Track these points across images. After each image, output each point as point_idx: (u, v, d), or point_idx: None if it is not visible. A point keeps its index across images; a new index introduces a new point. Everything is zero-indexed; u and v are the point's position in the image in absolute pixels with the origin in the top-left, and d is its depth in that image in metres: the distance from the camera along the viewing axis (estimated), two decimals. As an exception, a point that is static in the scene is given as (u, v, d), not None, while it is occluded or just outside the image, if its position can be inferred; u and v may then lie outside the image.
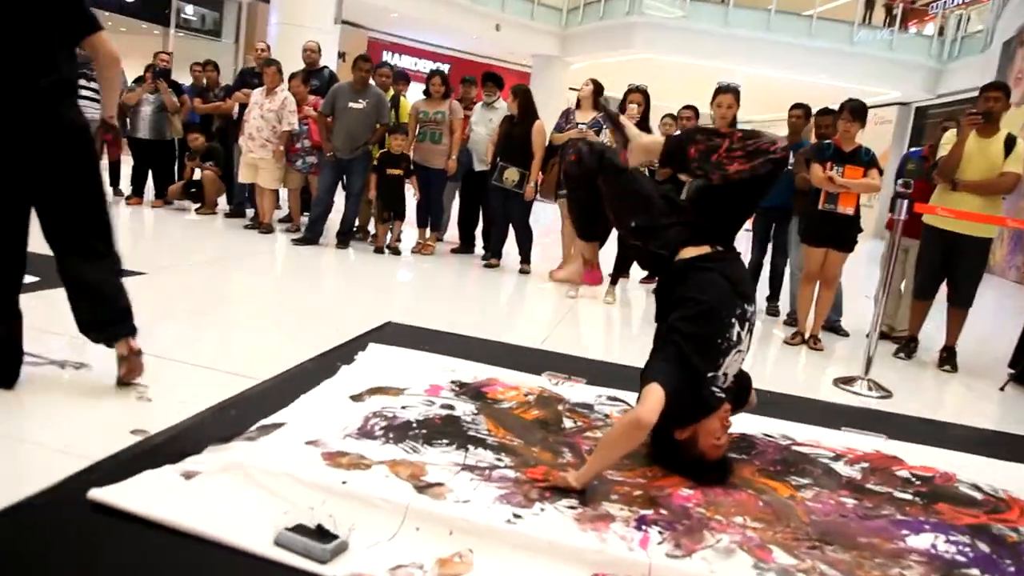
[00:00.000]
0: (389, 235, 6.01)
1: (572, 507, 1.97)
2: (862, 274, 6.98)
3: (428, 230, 6.38)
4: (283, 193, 6.75)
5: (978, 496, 2.40)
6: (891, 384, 3.84)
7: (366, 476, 2.01)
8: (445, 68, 7.14)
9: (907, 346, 4.63)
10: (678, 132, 4.74)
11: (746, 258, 5.63)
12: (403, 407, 2.55)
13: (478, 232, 6.61)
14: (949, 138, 4.39)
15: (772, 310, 5.49)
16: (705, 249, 2.29)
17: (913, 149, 5.33)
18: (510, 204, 5.76)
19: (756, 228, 5.50)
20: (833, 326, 4.97)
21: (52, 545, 1.64)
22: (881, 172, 4.41)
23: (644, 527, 1.91)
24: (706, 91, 5.15)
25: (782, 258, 5.36)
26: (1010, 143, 4.22)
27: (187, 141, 6.81)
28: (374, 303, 4.38)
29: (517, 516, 1.89)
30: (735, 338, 2.16)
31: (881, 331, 5.13)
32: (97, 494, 1.77)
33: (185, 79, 7.42)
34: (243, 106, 6.49)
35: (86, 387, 2.52)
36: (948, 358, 4.44)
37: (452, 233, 6.85)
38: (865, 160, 4.34)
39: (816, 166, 4.34)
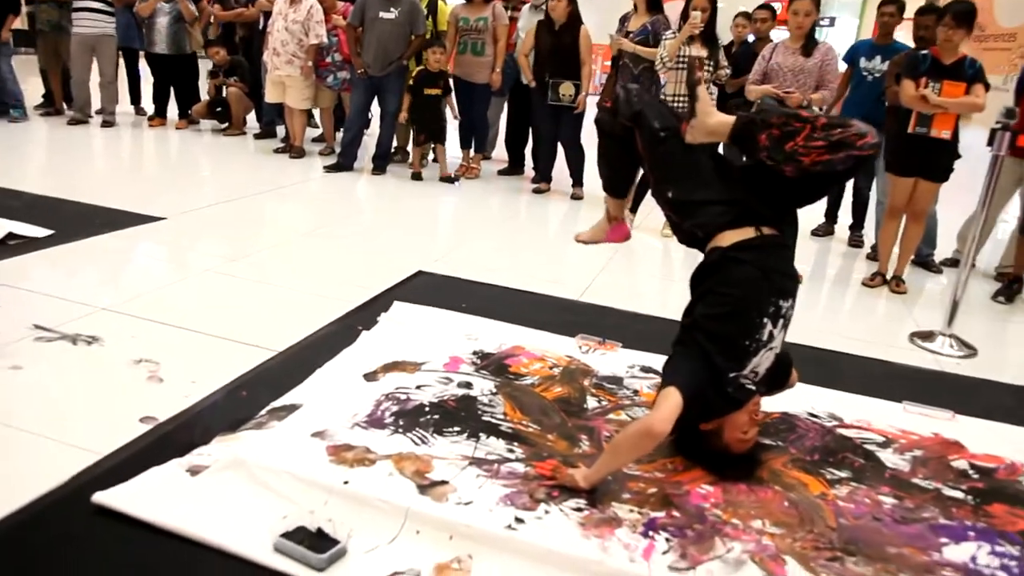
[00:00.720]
0: (430, 159, 6.10)
1: (579, 508, 2.10)
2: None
3: (472, 151, 6.42)
4: (315, 111, 6.87)
5: (1043, 494, 2.43)
6: (980, 338, 3.79)
7: (369, 474, 2.18)
8: None
9: (1009, 287, 4.52)
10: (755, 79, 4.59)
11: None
12: (418, 387, 2.71)
13: (528, 151, 6.62)
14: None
15: (855, 240, 5.41)
16: (749, 233, 2.23)
17: None
18: (560, 120, 5.74)
19: None
20: (924, 261, 4.86)
21: (56, 551, 1.88)
22: (988, 87, 4.19)
23: (652, 532, 2.03)
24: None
25: (866, 181, 5.23)
26: None
27: (208, 55, 6.94)
28: (407, 244, 4.52)
29: (519, 520, 2.03)
30: (766, 337, 2.19)
31: (954, 258, 5.06)
32: (102, 498, 1.99)
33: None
34: (267, 14, 6.55)
35: (97, 366, 2.75)
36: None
37: (501, 151, 6.88)
38: (969, 74, 4.12)
39: (908, 83, 4.16)
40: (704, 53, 4.75)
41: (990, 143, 3.52)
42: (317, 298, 3.53)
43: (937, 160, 4.22)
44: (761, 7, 5.51)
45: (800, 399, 2.79)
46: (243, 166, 6.22)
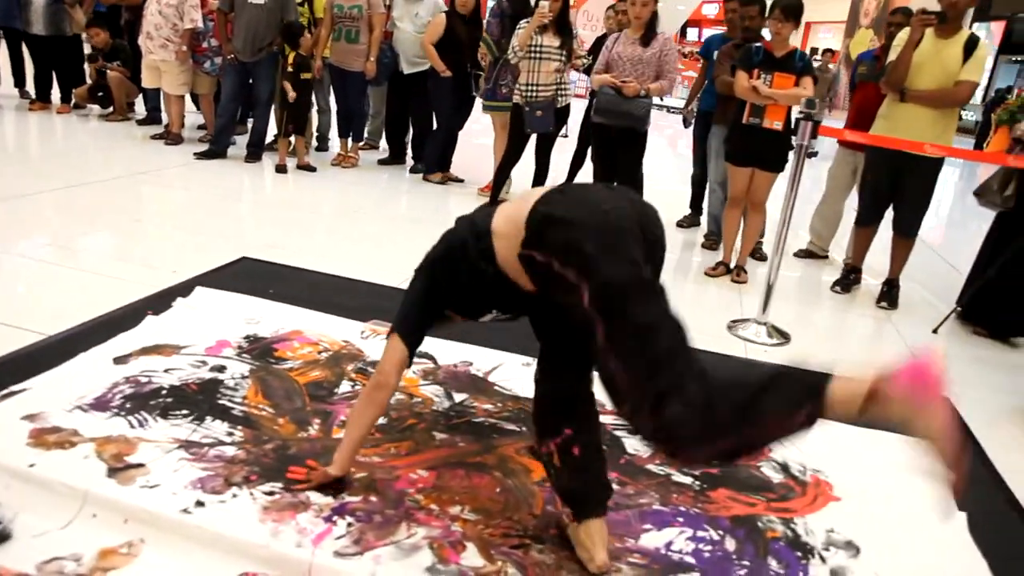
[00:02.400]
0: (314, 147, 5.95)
1: (270, 493, 1.99)
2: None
3: (350, 140, 6.27)
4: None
5: (777, 479, 2.36)
6: (805, 327, 3.75)
7: (61, 457, 2.04)
8: None
9: (846, 278, 4.50)
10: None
11: (689, 170, 5.57)
12: (166, 370, 2.57)
13: (409, 140, 6.51)
14: (902, 39, 4.09)
15: (691, 220, 5.59)
16: None
17: (865, 51, 5.01)
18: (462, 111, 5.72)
19: (695, 134, 5.32)
20: (756, 250, 4.85)
21: None
22: (816, 79, 4.16)
23: (336, 517, 1.92)
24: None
25: (702, 168, 5.27)
26: (970, 47, 3.92)
27: (88, 36, 6.71)
28: (248, 232, 4.37)
29: (200, 504, 1.92)
30: None
31: (808, 250, 5.10)
32: None
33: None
34: (149, -3, 6.33)
35: None
36: (887, 293, 4.31)
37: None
38: (799, 66, 4.09)
39: (741, 74, 4.11)
40: (556, 42, 4.66)
41: (794, 132, 3.48)
42: (124, 283, 3.35)
43: (771, 150, 4.17)
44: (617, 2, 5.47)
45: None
46: (113, 151, 5.98)
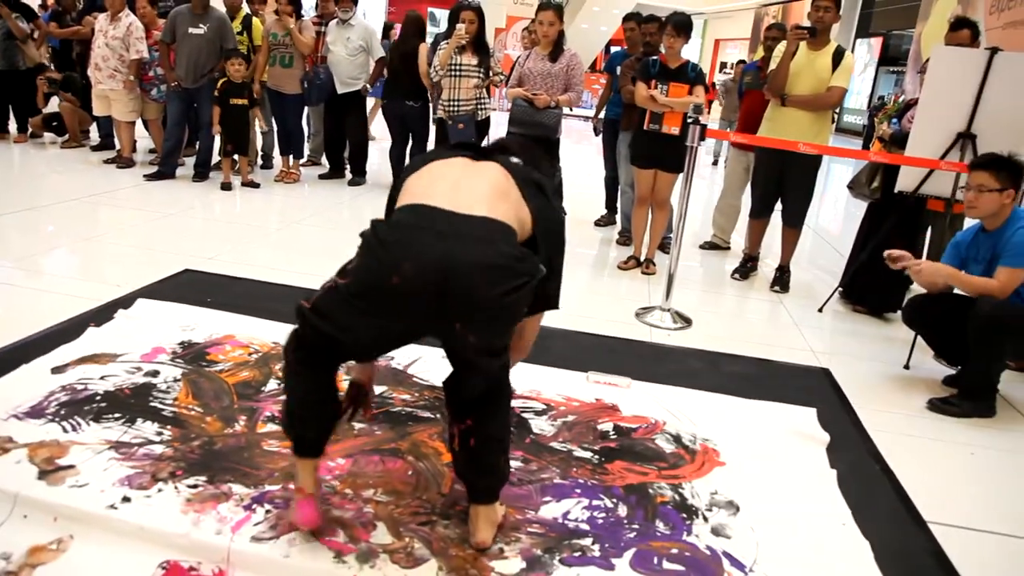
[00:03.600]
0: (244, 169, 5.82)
1: (194, 486, 1.95)
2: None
3: (291, 158, 6.18)
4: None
5: (669, 448, 2.39)
6: (706, 311, 3.81)
7: (-7, 463, 1.98)
8: None
9: (743, 266, 4.58)
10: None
11: (600, 173, 5.62)
12: (102, 377, 2.50)
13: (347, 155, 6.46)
14: (780, 51, 4.19)
15: (607, 220, 5.63)
16: None
17: (750, 62, 5.13)
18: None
19: (604, 140, 5.37)
20: (664, 243, 4.91)
21: None
22: (707, 88, 4.24)
23: (255, 505, 1.89)
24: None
25: (614, 170, 5.36)
26: (838, 57, 4.04)
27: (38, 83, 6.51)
28: (192, 245, 4.26)
29: (126, 499, 1.86)
30: None
31: (712, 242, 5.21)
32: None
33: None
34: (97, 30, 6.16)
35: None
36: (779, 278, 4.40)
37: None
38: (692, 77, 4.15)
39: (640, 85, 4.16)
40: (475, 61, 4.66)
41: (683, 136, 3.53)
42: (74, 299, 3.23)
43: (670, 153, 4.22)
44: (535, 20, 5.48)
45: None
46: (66, 176, 5.78)
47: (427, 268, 1.53)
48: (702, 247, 5.23)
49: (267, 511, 1.87)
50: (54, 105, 6.85)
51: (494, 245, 1.59)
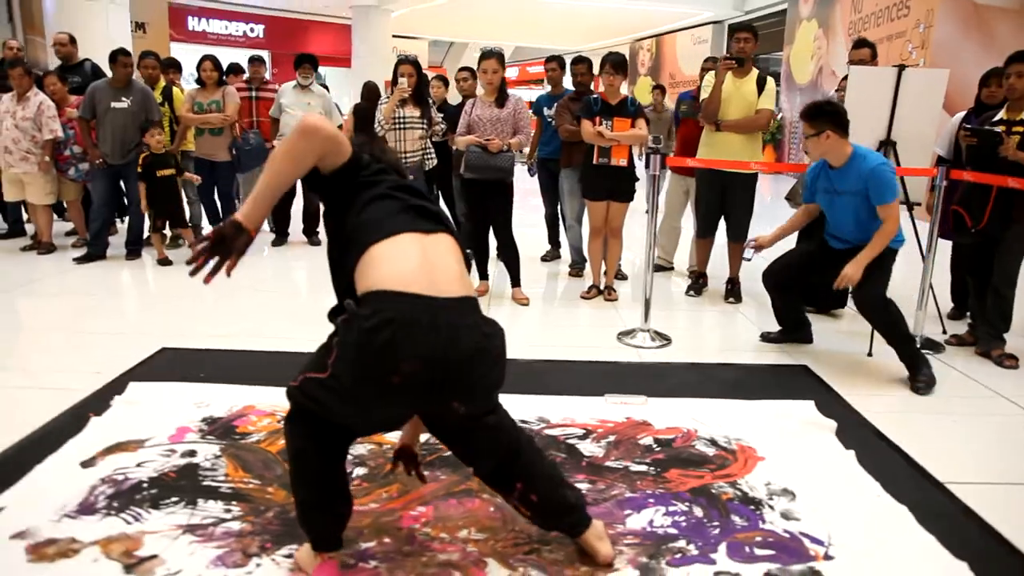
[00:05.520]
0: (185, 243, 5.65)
1: (289, 556, 1.93)
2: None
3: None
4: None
5: (711, 452, 2.55)
6: (676, 328, 4.02)
7: (70, 566, 1.89)
8: (260, 29, 6.75)
9: (696, 283, 4.86)
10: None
11: (541, 211, 5.82)
12: (139, 464, 2.42)
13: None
14: (709, 80, 4.54)
15: (552, 255, 5.86)
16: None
17: (684, 92, 5.51)
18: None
19: (540, 179, 5.58)
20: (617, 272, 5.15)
21: None
22: (648, 121, 4.52)
23: (360, 564, 1.90)
24: (530, 23, 5.02)
25: (553, 205, 5.63)
26: (761, 82, 4.42)
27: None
28: (154, 324, 4.12)
29: (227, 580, 1.84)
30: None
31: (657, 264, 5.48)
32: None
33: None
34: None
35: None
36: (732, 290, 4.70)
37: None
38: (632, 111, 4.43)
39: (586, 122, 4.39)
40: (417, 112, 4.77)
41: (647, 165, 3.77)
42: (51, 392, 3.07)
43: (621, 184, 4.47)
44: (462, 69, 5.66)
45: (511, 409, 2.78)
46: (-13, 268, 5.46)
47: (427, 366, 1.59)
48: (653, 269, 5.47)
49: (375, 566, 1.89)
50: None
51: (477, 328, 1.69)
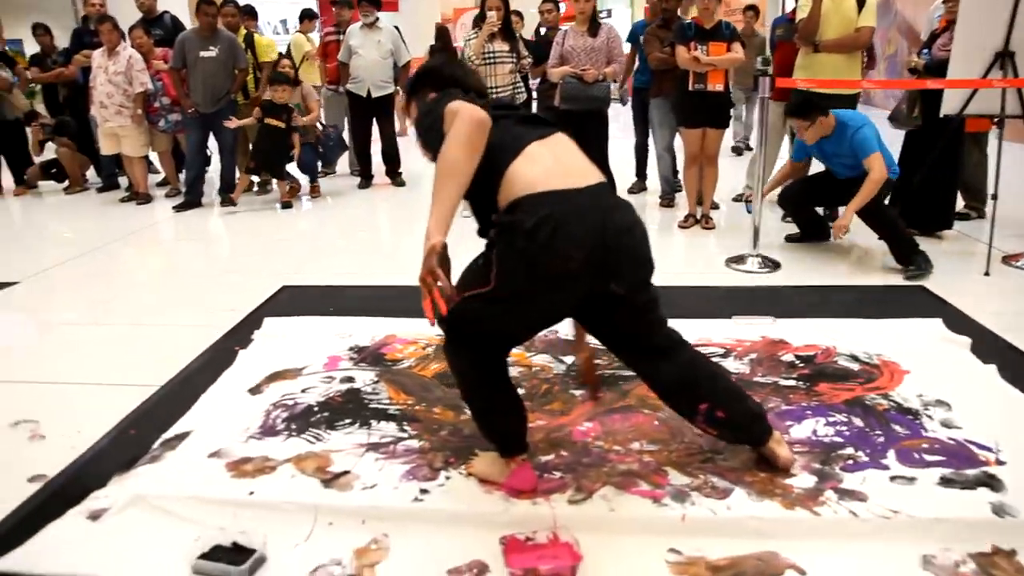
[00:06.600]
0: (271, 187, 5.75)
1: (475, 469, 2.02)
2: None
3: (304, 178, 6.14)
4: (153, 156, 6.36)
5: (855, 367, 2.56)
6: (779, 255, 4.00)
7: (272, 480, 2.01)
8: None
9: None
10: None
11: (631, 140, 5.75)
12: (303, 390, 2.53)
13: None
14: (805, 1, 4.38)
15: (640, 187, 5.76)
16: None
17: (779, 16, 5.34)
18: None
19: (634, 109, 5.50)
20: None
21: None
22: (744, 44, 4.42)
23: (546, 474, 1.98)
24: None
25: (643, 137, 5.53)
26: (862, -1, 4.26)
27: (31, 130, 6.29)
28: (267, 265, 4.25)
29: (424, 491, 1.93)
30: None
31: (744, 194, 5.38)
32: (2, 565, 1.72)
33: (30, 41, 6.75)
34: (86, 70, 5.99)
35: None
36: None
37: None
38: (727, 34, 4.32)
39: (681, 48, 4.31)
40: (506, 47, 4.73)
41: (755, 88, 3.69)
42: (189, 330, 3.22)
43: (717, 110, 4.40)
44: (545, 1, 5.55)
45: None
46: (91, 220, 5.63)
47: (592, 247, 1.66)
48: (735, 200, 5.41)
49: (560, 476, 1.97)
50: (47, 152, 6.62)
51: (623, 205, 1.79)
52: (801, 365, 2.59)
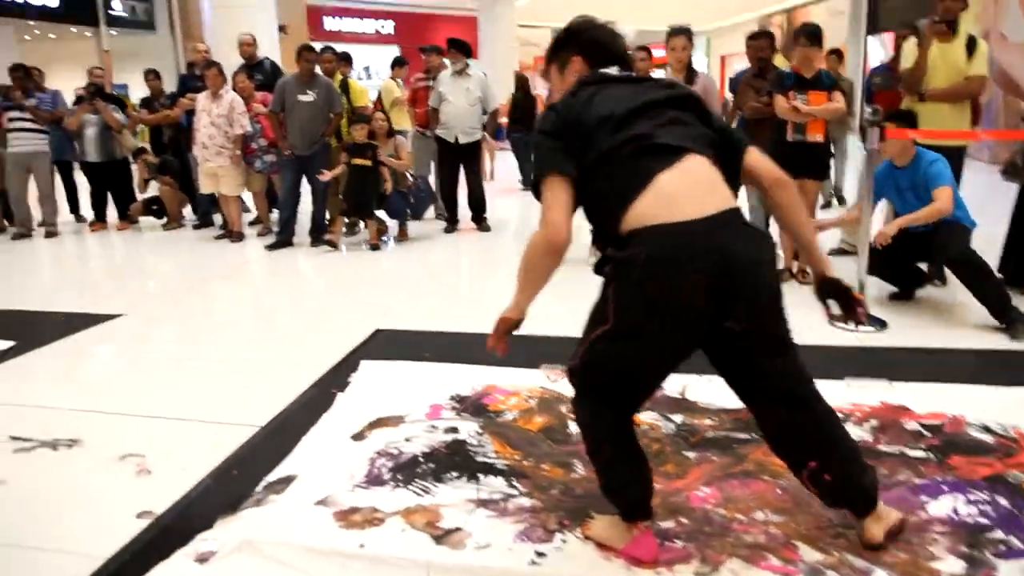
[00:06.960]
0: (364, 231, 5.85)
1: (591, 533, 1.94)
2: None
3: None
4: (247, 195, 6.57)
5: (990, 440, 2.38)
6: (883, 313, 3.81)
7: (382, 533, 1.97)
8: (390, 25, 6.98)
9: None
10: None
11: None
12: (407, 439, 2.50)
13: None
14: (910, 49, 4.26)
15: None
16: None
17: (877, 64, 5.21)
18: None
19: None
20: None
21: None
22: (844, 92, 4.30)
23: (667, 543, 1.88)
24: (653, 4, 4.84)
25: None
26: (971, 45, 4.11)
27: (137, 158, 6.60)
28: (358, 307, 4.29)
29: (540, 554, 1.86)
30: None
31: (841, 248, 5.17)
32: (113, 607, 1.72)
33: (136, 86, 7.15)
34: (190, 112, 6.26)
35: (82, 468, 2.43)
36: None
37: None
38: (828, 84, 4.22)
39: (779, 97, 4.22)
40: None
41: (863, 139, 3.58)
42: (285, 369, 3.26)
43: (816, 161, 4.28)
44: (639, 48, 5.52)
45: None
46: (188, 256, 5.85)
47: (709, 280, 1.61)
48: (831, 253, 5.22)
49: (683, 546, 1.87)
50: (150, 190, 6.93)
51: (748, 236, 1.71)
52: (929, 435, 2.42)
